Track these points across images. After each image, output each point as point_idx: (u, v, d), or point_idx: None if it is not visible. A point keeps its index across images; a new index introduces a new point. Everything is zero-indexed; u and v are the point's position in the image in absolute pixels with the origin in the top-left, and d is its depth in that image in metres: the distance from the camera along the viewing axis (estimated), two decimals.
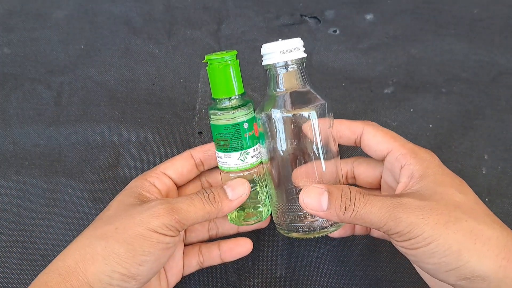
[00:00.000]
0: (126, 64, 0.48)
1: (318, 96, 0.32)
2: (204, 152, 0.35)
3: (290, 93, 0.31)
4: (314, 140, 0.31)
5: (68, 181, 0.42)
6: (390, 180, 0.34)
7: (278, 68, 0.31)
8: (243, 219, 0.34)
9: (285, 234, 0.34)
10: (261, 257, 0.40)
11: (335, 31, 0.51)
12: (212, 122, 0.32)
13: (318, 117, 0.31)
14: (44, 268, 0.36)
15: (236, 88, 0.31)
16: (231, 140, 0.31)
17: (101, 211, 0.33)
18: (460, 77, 0.48)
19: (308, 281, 0.39)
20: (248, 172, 0.32)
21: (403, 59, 0.49)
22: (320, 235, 0.32)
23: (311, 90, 0.33)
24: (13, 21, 0.50)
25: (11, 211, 0.40)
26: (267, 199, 0.34)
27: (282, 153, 0.31)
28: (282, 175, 0.32)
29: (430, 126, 0.45)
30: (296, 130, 0.31)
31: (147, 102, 0.46)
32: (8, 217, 0.40)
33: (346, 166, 0.36)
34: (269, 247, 0.40)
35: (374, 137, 0.33)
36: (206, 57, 0.31)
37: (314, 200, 0.29)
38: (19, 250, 0.39)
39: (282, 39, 0.31)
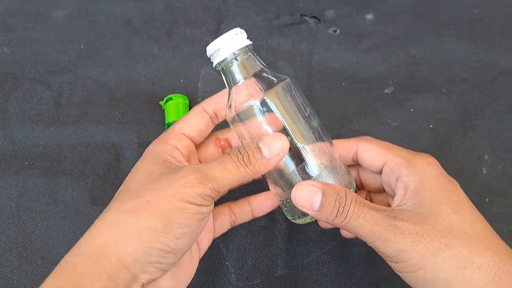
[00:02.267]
0: (126, 64, 0.48)
1: (278, 75, 0.32)
2: (215, 104, 0.33)
3: (250, 80, 0.31)
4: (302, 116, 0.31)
5: (68, 182, 0.42)
6: (390, 191, 0.33)
7: (230, 62, 0.31)
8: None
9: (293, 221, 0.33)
10: (261, 257, 0.40)
11: (335, 31, 0.51)
12: None
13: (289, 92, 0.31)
14: (43, 268, 0.35)
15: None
16: None
17: (101, 212, 0.33)
18: (460, 77, 0.48)
19: (308, 281, 0.39)
20: None
21: (403, 59, 0.49)
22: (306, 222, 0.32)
23: (269, 71, 0.32)
24: (13, 20, 0.50)
25: (10, 211, 0.40)
26: None
27: None
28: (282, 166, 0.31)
29: (430, 126, 0.45)
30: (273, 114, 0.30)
31: (148, 102, 0.46)
32: (7, 217, 0.40)
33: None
34: (269, 247, 0.40)
35: (368, 152, 0.32)
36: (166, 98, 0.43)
37: (306, 199, 0.27)
38: (18, 250, 0.39)
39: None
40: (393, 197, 0.32)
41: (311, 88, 0.47)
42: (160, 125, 0.45)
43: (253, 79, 0.30)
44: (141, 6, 0.51)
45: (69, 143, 0.43)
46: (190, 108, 0.45)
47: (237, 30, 0.30)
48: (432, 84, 0.48)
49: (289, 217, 0.33)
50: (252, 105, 0.29)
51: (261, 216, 0.41)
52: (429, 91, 0.47)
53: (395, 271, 0.28)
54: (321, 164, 0.31)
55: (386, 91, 0.47)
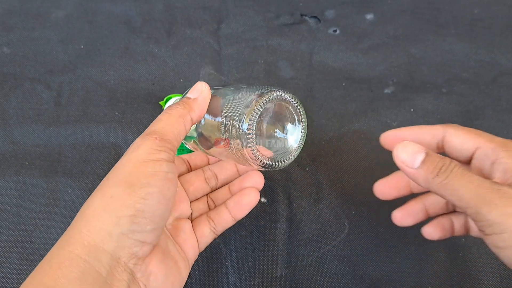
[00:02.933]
0: (126, 64, 0.48)
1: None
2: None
3: None
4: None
5: (68, 182, 0.41)
6: None
7: None
8: None
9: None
10: (261, 257, 0.40)
11: (335, 31, 0.51)
12: None
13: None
14: None
15: None
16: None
17: None
18: (460, 77, 0.48)
19: (308, 281, 0.39)
20: None
21: (404, 59, 0.49)
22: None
23: None
24: (12, 20, 0.50)
25: (10, 211, 0.40)
26: None
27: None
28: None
29: None
30: None
31: (147, 102, 0.46)
32: (7, 217, 0.40)
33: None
34: (269, 247, 0.40)
35: (457, 138, 0.31)
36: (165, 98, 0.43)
37: (409, 154, 0.27)
38: (18, 250, 0.39)
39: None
40: None
41: (311, 88, 0.47)
42: None
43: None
44: (141, 6, 0.51)
45: (69, 143, 0.43)
46: None
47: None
48: (432, 84, 0.48)
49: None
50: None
51: (261, 216, 0.41)
52: (429, 91, 0.47)
53: (492, 247, 0.26)
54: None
55: (386, 91, 0.47)
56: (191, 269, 0.39)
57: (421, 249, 0.40)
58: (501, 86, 0.48)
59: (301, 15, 0.52)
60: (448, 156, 0.32)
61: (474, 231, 0.34)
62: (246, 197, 0.34)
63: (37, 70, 0.47)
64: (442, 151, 0.32)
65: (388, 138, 0.34)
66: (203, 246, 0.34)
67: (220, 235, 0.40)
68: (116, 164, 0.27)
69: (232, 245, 0.40)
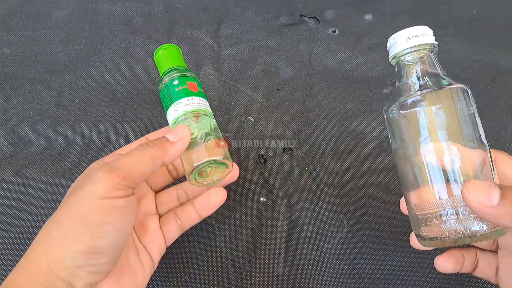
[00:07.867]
0: (126, 64, 0.48)
1: (455, 82, 0.30)
2: (159, 135, 0.34)
3: (423, 78, 0.29)
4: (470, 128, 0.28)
5: (69, 181, 0.41)
6: None
7: (405, 56, 0.30)
8: (204, 181, 0.34)
9: (427, 246, 0.29)
10: (260, 256, 0.40)
11: (334, 31, 0.51)
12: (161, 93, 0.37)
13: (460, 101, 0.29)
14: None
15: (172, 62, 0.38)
16: (167, 98, 0.36)
17: None
18: (459, 77, 0.48)
19: (307, 280, 0.39)
20: (183, 118, 0.35)
21: None
22: (471, 241, 0.26)
23: (445, 76, 0.30)
24: (13, 21, 0.50)
25: (11, 210, 0.41)
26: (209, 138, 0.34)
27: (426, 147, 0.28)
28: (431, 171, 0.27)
29: None
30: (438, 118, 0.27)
31: (147, 102, 0.46)
32: (8, 217, 0.40)
33: None
34: (269, 246, 0.40)
35: (510, 166, 0.28)
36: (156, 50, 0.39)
37: (483, 192, 0.24)
38: (19, 250, 0.39)
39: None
40: None
41: (310, 88, 0.47)
42: (160, 124, 0.45)
43: (426, 78, 0.29)
44: (141, 6, 0.52)
45: (70, 142, 0.44)
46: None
47: (425, 28, 0.29)
48: None
49: (422, 242, 0.29)
50: (416, 101, 0.28)
51: (260, 215, 0.41)
52: None
53: None
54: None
55: (385, 91, 0.48)
56: (191, 268, 0.39)
57: None
58: (499, 86, 0.48)
59: (301, 15, 0.52)
60: None
61: (482, 271, 0.32)
62: (213, 197, 0.35)
63: (37, 70, 0.47)
64: None
65: None
66: (170, 242, 0.35)
67: (220, 234, 0.40)
68: (74, 193, 0.28)
69: (232, 244, 0.40)
